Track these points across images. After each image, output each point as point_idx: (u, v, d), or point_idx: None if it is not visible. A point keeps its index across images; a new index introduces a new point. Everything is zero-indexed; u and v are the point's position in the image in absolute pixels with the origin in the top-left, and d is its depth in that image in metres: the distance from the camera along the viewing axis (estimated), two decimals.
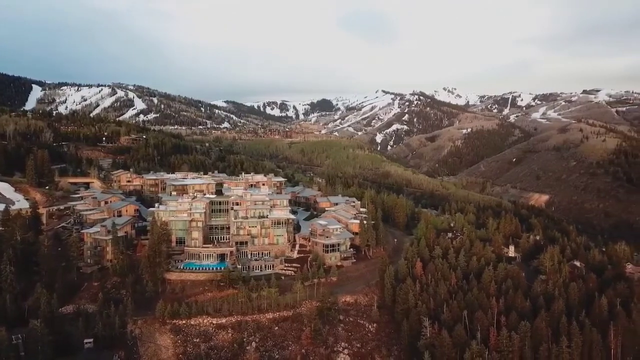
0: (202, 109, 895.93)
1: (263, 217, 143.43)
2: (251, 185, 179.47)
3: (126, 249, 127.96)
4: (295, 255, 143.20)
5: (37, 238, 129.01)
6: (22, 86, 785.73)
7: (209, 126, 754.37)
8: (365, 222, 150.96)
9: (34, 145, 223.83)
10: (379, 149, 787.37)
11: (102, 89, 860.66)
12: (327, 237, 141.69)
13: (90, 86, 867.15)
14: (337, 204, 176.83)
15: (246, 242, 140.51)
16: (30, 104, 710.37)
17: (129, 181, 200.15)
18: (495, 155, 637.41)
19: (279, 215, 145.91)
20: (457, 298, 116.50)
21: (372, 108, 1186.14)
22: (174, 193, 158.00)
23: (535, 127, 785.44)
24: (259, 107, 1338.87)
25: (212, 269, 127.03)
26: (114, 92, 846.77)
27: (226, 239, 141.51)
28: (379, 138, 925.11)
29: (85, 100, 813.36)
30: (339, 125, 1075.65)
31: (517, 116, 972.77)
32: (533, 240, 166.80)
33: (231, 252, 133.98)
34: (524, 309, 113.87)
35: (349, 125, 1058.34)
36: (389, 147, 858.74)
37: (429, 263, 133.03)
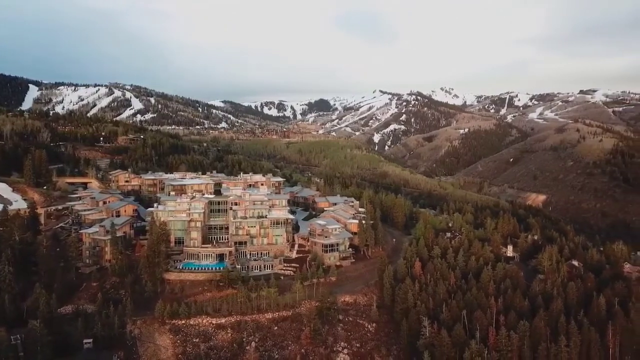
0: (200, 109, 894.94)
1: (262, 217, 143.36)
2: (250, 185, 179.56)
3: (125, 249, 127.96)
4: (294, 255, 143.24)
5: (36, 238, 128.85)
6: (18, 86, 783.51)
7: (206, 126, 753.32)
8: (364, 222, 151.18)
9: (32, 145, 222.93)
10: (376, 149, 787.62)
11: (99, 89, 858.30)
12: (326, 237, 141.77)
13: (87, 86, 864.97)
14: (335, 204, 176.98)
15: (245, 242, 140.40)
16: (27, 104, 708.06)
17: (127, 181, 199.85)
18: (493, 155, 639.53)
19: (277, 215, 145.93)
20: (456, 298, 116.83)
21: (370, 108, 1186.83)
22: (172, 193, 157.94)
23: (532, 127, 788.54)
24: (256, 107, 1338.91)
25: (211, 269, 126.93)
26: (111, 92, 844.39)
27: (225, 239, 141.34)
28: (376, 138, 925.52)
29: (82, 100, 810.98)
30: (336, 126, 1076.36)
31: (514, 116, 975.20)
32: (531, 240, 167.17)
33: (230, 252, 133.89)
34: (522, 309, 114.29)
35: (346, 126, 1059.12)
36: (386, 147, 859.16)
37: (427, 263, 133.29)
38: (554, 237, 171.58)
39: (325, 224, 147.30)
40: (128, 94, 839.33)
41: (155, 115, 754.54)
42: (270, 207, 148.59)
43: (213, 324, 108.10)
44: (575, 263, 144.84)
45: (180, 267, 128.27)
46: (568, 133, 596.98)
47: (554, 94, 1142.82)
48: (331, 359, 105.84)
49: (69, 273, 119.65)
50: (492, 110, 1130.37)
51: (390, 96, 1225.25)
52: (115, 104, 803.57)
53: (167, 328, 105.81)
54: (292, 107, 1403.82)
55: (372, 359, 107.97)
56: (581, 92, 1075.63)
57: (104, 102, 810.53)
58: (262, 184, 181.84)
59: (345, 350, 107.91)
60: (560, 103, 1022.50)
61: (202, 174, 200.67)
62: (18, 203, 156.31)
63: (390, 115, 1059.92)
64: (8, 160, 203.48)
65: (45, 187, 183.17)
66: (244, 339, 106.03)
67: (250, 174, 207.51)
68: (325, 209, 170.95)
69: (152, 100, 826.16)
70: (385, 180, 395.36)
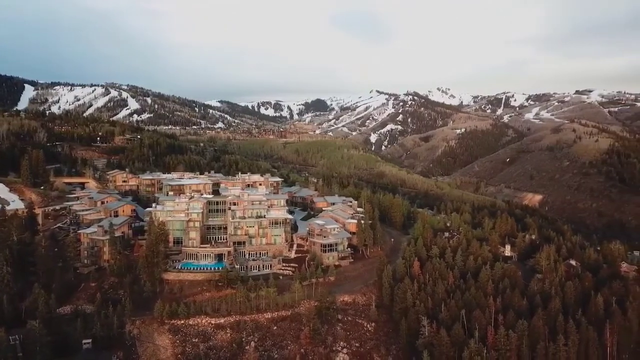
0: (196, 109, 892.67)
1: (260, 217, 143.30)
2: (248, 185, 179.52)
3: (123, 249, 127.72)
4: (292, 255, 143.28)
5: (34, 238, 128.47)
6: (14, 86, 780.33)
7: (203, 126, 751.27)
8: (362, 221, 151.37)
9: (28, 145, 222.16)
10: (373, 149, 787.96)
11: (95, 89, 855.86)
12: (324, 236, 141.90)
13: (83, 86, 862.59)
14: (334, 203, 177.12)
15: (244, 242, 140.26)
16: (23, 104, 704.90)
17: (124, 181, 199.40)
18: (489, 155, 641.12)
19: (276, 215, 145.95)
20: (454, 297, 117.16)
21: (367, 108, 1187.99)
22: (170, 193, 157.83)
23: (528, 127, 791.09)
24: (253, 107, 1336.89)
25: (210, 269, 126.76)
26: (107, 92, 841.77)
27: (224, 239, 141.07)
28: (373, 138, 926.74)
29: (78, 100, 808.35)
30: (333, 126, 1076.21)
31: (510, 116, 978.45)
32: (529, 240, 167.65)
33: (229, 252, 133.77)
34: (521, 308, 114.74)
35: (343, 126, 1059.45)
36: (383, 147, 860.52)
37: (426, 262, 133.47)
38: (551, 237, 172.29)
39: (323, 224, 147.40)
40: (124, 94, 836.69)
41: (151, 115, 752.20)
42: (268, 207, 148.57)
43: (212, 324, 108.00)
44: (573, 262, 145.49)
45: (179, 267, 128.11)
46: (564, 133, 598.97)
47: (550, 94, 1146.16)
48: (330, 359, 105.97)
49: (67, 273, 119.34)
50: (489, 111, 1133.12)
51: (387, 96, 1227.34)
52: (112, 104, 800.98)
53: (166, 328, 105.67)
54: (289, 107, 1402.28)
55: (371, 359, 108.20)
56: (577, 92, 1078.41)
57: (100, 102, 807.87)
58: (260, 184, 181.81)
59: (345, 350, 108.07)
60: (556, 103, 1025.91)
61: (200, 174, 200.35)
62: (15, 203, 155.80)
63: (387, 116, 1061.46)
64: (5, 160, 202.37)
65: (42, 187, 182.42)
66: (243, 339, 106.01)
67: (249, 174, 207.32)
68: (323, 208, 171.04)
69: (149, 100, 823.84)
70: (382, 180, 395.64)
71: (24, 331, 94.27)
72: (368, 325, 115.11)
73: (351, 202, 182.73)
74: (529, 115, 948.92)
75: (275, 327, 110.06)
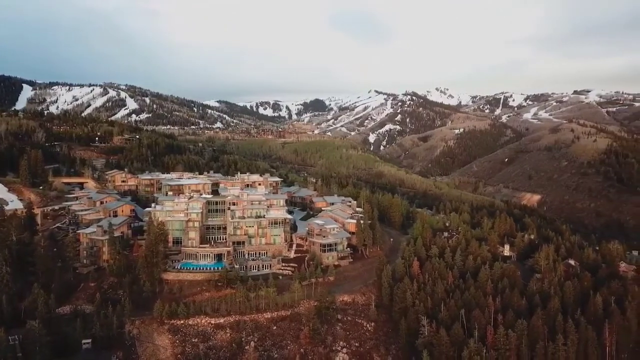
0: (195, 109, 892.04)
1: (260, 217, 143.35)
2: (247, 185, 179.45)
3: (123, 249, 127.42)
4: (292, 255, 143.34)
5: (33, 238, 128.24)
6: (12, 86, 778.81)
7: (201, 126, 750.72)
8: (362, 221, 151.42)
9: (27, 145, 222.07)
10: (371, 149, 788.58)
11: (93, 89, 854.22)
12: (324, 236, 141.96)
13: (81, 86, 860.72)
14: (333, 203, 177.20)
15: (243, 242, 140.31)
16: (21, 104, 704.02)
17: (123, 181, 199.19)
18: (488, 155, 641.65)
19: (275, 215, 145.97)
20: (454, 297, 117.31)
21: (365, 108, 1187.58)
22: (170, 193, 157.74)
23: (526, 128, 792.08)
24: (251, 107, 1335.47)
25: (210, 269, 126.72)
26: (105, 92, 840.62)
27: (223, 239, 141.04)
28: (371, 138, 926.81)
29: (76, 100, 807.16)
30: (332, 126, 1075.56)
31: (508, 116, 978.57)
32: (528, 240, 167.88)
33: (228, 252, 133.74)
34: (520, 308, 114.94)
35: (342, 126, 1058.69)
36: (381, 147, 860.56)
37: (425, 262, 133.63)
38: (550, 237, 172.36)
39: (323, 224, 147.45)
40: (123, 94, 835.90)
41: (150, 115, 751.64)
42: (268, 207, 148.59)
43: (212, 324, 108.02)
44: (572, 262, 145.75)
45: (179, 267, 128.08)
46: (562, 133, 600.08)
47: (548, 94, 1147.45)
48: (330, 359, 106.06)
49: (66, 273, 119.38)
50: (487, 111, 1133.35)
51: (385, 96, 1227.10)
52: (110, 103, 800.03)
53: (166, 328, 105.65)
54: (287, 107, 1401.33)
55: (371, 358, 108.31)
56: (575, 92, 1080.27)
57: (99, 102, 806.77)
58: (259, 184, 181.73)
59: (344, 350, 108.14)
60: (554, 103, 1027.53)
61: (199, 174, 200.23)
62: (14, 203, 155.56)
63: (385, 116, 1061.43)
64: (3, 160, 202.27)
65: (41, 187, 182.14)
66: (243, 339, 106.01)
67: (248, 174, 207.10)
68: (322, 208, 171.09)
69: (147, 100, 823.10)
70: (381, 180, 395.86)
71: (23, 331, 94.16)
72: (367, 325, 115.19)
73: (350, 202, 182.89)
74: (527, 115, 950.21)
75: (274, 327, 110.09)
